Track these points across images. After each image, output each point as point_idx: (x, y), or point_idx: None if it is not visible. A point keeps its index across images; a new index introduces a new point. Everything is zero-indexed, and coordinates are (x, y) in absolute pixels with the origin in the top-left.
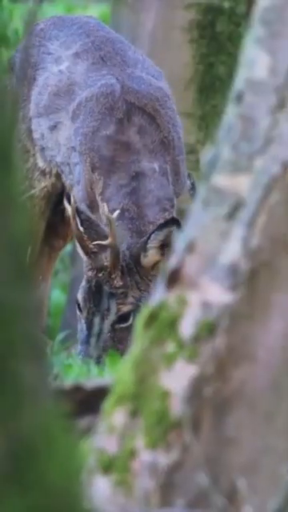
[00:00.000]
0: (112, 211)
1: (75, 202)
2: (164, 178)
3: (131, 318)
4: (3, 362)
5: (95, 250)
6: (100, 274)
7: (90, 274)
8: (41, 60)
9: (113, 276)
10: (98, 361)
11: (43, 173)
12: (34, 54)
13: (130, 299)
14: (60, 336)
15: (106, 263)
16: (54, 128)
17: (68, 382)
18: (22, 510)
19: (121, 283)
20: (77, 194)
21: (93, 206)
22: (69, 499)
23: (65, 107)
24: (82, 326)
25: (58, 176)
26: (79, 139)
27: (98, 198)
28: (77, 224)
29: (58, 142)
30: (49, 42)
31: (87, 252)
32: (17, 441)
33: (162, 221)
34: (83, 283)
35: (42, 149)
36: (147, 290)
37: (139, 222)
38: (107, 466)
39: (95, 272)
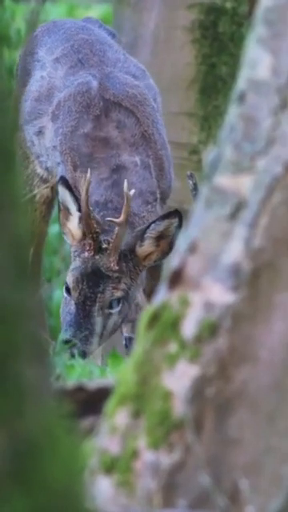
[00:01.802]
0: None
1: (89, 180)
2: (146, 172)
3: (120, 305)
4: (5, 363)
5: (98, 230)
6: (97, 256)
7: (86, 254)
8: (32, 68)
9: (111, 259)
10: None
11: (42, 179)
12: (29, 62)
13: (123, 285)
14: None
15: (104, 245)
16: (39, 134)
17: (70, 382)
18: (25, 509)
19: (117, 267)
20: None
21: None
22: (71, 499)
23: (46, 111)
24: (69, 307)
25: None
26: (59, 139)
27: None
28: (87, 202)
29: (45, 147)
30: (39, 49)
31: (91, 231)
32: (19, 441)
33: (145, 213)
34: (77, 264)
35: (37, 156)
36: (136, 279)
37: None
38: (109, 467)
39: (92, 253)
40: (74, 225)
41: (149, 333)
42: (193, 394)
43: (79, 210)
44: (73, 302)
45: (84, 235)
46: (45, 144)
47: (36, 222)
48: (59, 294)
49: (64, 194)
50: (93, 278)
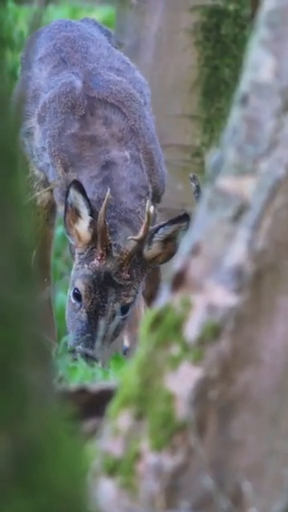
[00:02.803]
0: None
1: (109, 197)
2: (137, 166)
3: (129, 310)
4: (8, 365)
5: (111, 242)
6: (109, 265)
7: (97, 264)
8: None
9: (123, 268)
10: (101, 356)
11: (41, 182)
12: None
13: (133, 291)
14: (65, 338)
15: (115, 254)
16: (28, 135)
17: (73, 384)
18: None
19: (128, 275)
20: (55, 194)
21: None
22: (74, 502)
23: (33, 112)
24: (79, 315)
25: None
26: (48, 141)
27: None
28: (105, 217)
29: (35, 148)
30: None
31: (105, 244)
32: (22, 443)
33: (139, 209)
34: (87, 272)
35: (32, 158)
36: (141, 282)
37: (119, 209)
38: (112, 469)
39: (104, 263)
40: (83, 228)
41: (152, 335)
42: (196, 396)
43: (91, 214)
44: (83, 310)
45: (93, 239)
46: (34, 145)
47: (40, 226)
48: (62, 297)
49: (76, 197)
50: (105, 288)
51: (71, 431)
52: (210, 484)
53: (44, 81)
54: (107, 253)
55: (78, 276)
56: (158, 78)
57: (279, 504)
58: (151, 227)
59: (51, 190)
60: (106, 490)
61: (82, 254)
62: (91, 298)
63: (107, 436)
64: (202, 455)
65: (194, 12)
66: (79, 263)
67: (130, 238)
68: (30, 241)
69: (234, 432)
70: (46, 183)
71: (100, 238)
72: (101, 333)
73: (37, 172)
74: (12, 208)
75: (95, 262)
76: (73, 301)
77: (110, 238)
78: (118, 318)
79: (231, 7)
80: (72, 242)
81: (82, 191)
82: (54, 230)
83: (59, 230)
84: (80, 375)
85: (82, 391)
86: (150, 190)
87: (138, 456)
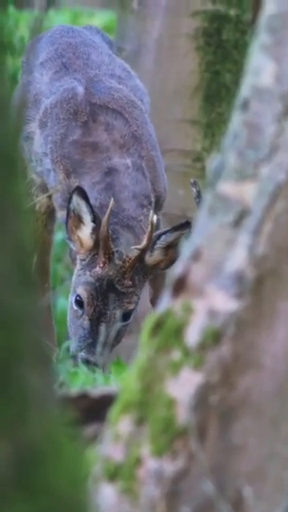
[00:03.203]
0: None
1: (113, 205)
2: (139, 174)
3: (131, 316)
4: (9, 369)
5: (114, 250)
6: (111, 273)
7: (100, 272)
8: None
9: (126, 275)
10: (102, 362)
11: (39, 188)
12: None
13: (135, 298)
14: (66, 344)
15: (117, 262)
16: (27, 139)
17: (74, 389)
18: None
19: (130, 282)
20: (56, 199)
21: None
22: (74, 507)
23: (34, 117)
24: (81, 321)
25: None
26: (50, 147)
27: None
28: (108, 225)
29: (34, 152)
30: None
31: (108, 252)
32: (23, 448)
33: (142, 217)
34: (89, 279)
35: (30, 163)
36: (142, 288)
37: (121, 216)
38: (113, 474)
39: (106, 270)
40: (85, 234)
41: (152, 340)
42: (196, 401)
43: (94, 221)
44: (86, 317)
45: (95, 246)
46: (34, 150)
47: (38, 232)
48: (63, 302)
49: (79, 204)
50: (108, 295)
51: (72, 436)
52: (210, 489)
53: (45, 86)
54: (109, 260)
55: (79, 283)
56: (158, 83)
57: (280, 508)
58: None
59: (50, 196)
60: (107, 495)
61: (84, 260)
62: (93, 305)
63: (108, 441)
64: (202, 460)
65: (194, 17)
66: (81, 269)
67: (133, 247)
68: (30, 244)
69: (234, 437)
70: (43, 188)
71: (102, 246)
72: (102, 339)
73: (34, 177)
74: (12, 211)
75: (97, 269)
76: (75, 307)
77: (112, 245)
78: (120, 324)
79: (232, 12)
80: (73, 248)
81: (85, 198)
82: (52, 236)
83: (59, 235)
84: (81, 380)
85: (83, 396)
86: (153, 198)
87: (138, 461)
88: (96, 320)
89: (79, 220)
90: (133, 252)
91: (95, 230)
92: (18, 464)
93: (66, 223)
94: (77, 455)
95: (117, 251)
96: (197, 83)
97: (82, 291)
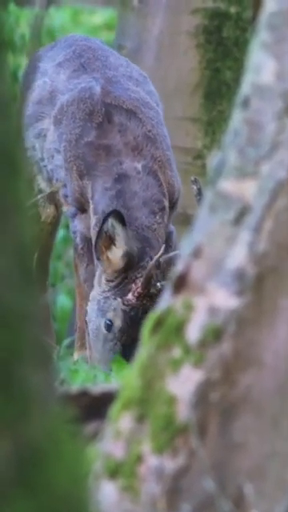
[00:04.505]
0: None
1: (161, 253)
2: (150, 177)
3: None
4: (10, 368)
5: (153, 283)
6: (146, 302)
7: (134, 301)
8: (33, 80)
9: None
10: None
11: (49, 199)
12: (30, 80)
13: None
14: (66, 341)
15: (153, 291)
16: (39, 136)
17: (74, 387)
18: None
19: None
20: (63, 195)
21: (83, 208)
22: (75, 504)
23: (48, 114)
24: (112, 346)
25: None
26: (64, 145)
27: (90, 201)
28: (153, 266)
29: (46, 149)
30: (41, 63)
31: (146, 287)
32: (24, 446)
33: (155, 225)
34: (122, 307)
35: (39, 165)
36: None
37: (135, 226)
38: (114, 471)
39: (141, 300)
40: (116, 256)
41: (153, 337)
42: (197, 398)
43: (126, 244)
44: (118, 343)
45: (124, 269)
46: (46, 146)
47: (42, 240)
48: (63, 299)
49: (115, 226)
50: (142, 322)
51: (73, 434)
52: (211, 486)
53: (62, 83)
54: (147, 292)
55: (110, 308)
56: (159, 80)
57: (281, 506)
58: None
59: (57, 206)
60: (108, 492)
61: (112, 281)
62: (127, 333)
63: (108, 438)
64: (203, 457)
65: (195, 15)
66: (108, 291)
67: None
68: (31, 243)
69: (235, 434)
70: (52, 198)
71: (144, 282)
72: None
73: (43, 185)
74: (13, 210)
75: (131, 297)
76: (104, 331)
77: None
78: None
79: (232, 10)
80: (101, 267)
81: (122, 221)
82: (54, 239)
83: (61, 232)
84: (81, 378)
85: (84, 394)
86: (166, 203)
87: (139, 458)
88: (129, 345)
89: (110, 241)
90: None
91: (127, 254)
92: (19, 462)
93: (96, 243)
94: (77, 452)
95: (154, 284)
96: (197, 81)
97: (114, 318)
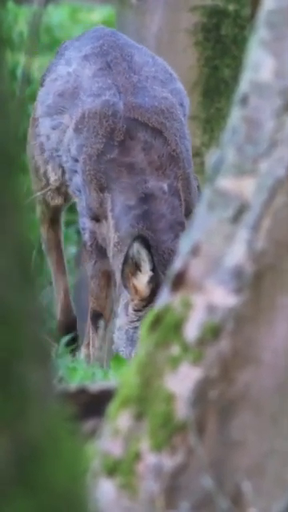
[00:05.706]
0: (124, 233)
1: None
2: (175, 199)
3: None
4: (8, 365)
5: None
6: None
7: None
8: (55, 65)
9: None
10: None
11: (55, 190)
12: (52, 64)
13: None
14: (65, 339)
15: None
16: (56, 128)
17: (73, 384)
18: None
19: None
20: (73, 191)
21: (99, 218)
22: (74, 502)
23: (69, 109)
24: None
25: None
26: (83, 158)
27: (109, 214)
28: None
29: (61, 142)
30: (66, 51)
31: None
32: (22, 444)
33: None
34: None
35: (51, 154)
36: None
37: (162, 249)
38: (112, 469)
39: None
40: (142, 282)
41: (151, 335)
42: (196, 396)
43: (152, 269)
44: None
45: (151, 296)
46: (61, 139)
47: (44, 229)
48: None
49: (140, 252)
50: None
51: (71, 431)
52: (209, 484)
53: (86, 81)
54: None
55: (134, 331)
56: None
57: (279, 504)
58: None
59: (64, 196)
60: (106, 490)
61: (140, 311)
62: None
63: (107, 436)
64: (201, 455)
65: (193, 12)
66: (137, 321)
67: None
68: (30, 240)
69: (233, 432)
70: (60, 191)
71: None
72: None
73: (53, 179)
74: (12, 208)
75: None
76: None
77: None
78: None
79: (231, 7)
80: (128, 294)
81: (147, 246)
82: (61, 233)
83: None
84: (80, 375)
85: (82, 391)
86: (186, 224)
87: (137, 456)
88: None
89: (136, 267)
90: None
91: (153, 279)
92: (18, 460)
93: (123, 270)
94: (76, 450)
95: None
96: (196, 78)
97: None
